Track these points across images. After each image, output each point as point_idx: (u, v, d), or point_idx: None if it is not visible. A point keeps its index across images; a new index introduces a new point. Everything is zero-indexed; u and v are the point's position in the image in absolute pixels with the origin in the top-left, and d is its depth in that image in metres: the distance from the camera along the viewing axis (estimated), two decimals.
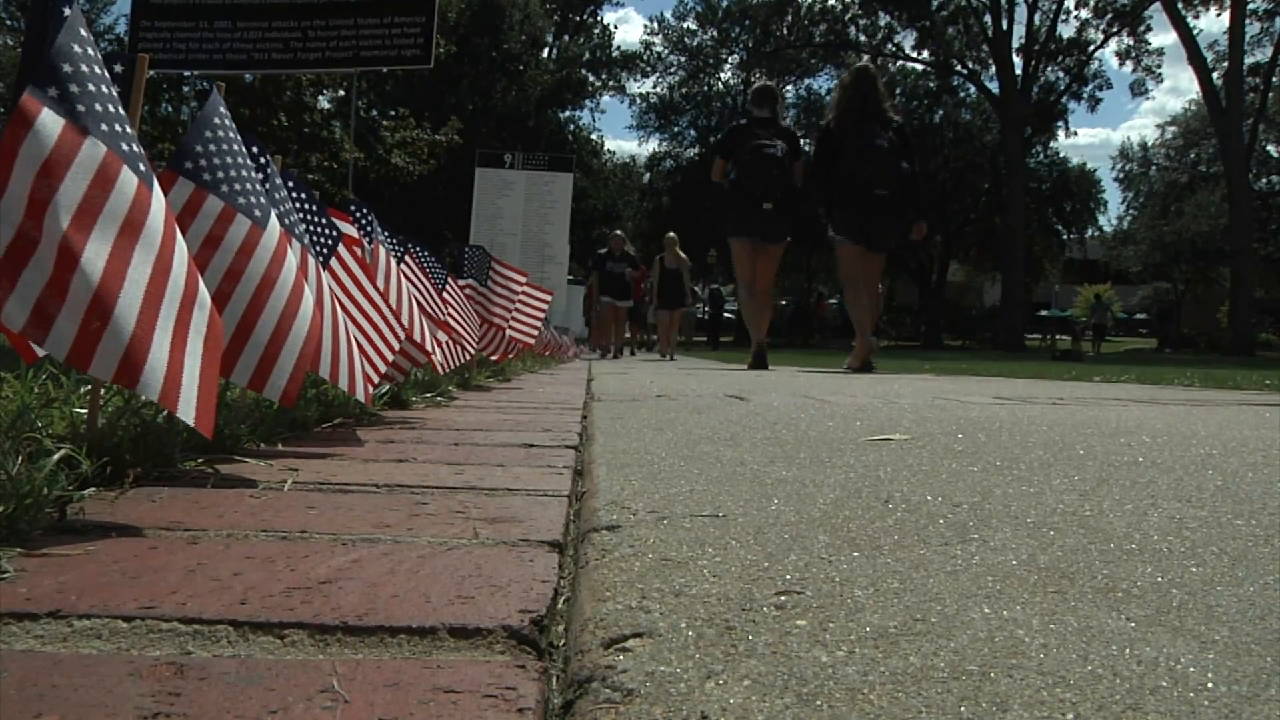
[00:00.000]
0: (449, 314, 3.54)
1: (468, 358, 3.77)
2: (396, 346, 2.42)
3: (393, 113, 16.88)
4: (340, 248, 2.25)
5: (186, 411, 1.19)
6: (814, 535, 1.04)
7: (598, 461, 1.62)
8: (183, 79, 13.28)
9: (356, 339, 2.17)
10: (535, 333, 5.28)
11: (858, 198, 5.83)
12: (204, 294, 1.32)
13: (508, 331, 4.85)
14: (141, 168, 1.23)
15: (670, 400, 3.17)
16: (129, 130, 1.24)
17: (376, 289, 2.36)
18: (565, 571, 0.96)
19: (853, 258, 6.15)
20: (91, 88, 1.17)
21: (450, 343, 3.41)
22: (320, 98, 14.06)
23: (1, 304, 1.06)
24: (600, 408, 2.83)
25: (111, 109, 1.20)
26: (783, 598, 0.79)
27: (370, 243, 2.65)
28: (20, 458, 1.07)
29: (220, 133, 1.64)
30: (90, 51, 1.19)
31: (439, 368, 3.16)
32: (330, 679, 0.62)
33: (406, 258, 3.18)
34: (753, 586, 0.82)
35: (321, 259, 2.10)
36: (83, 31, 1.18)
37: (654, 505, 1.20)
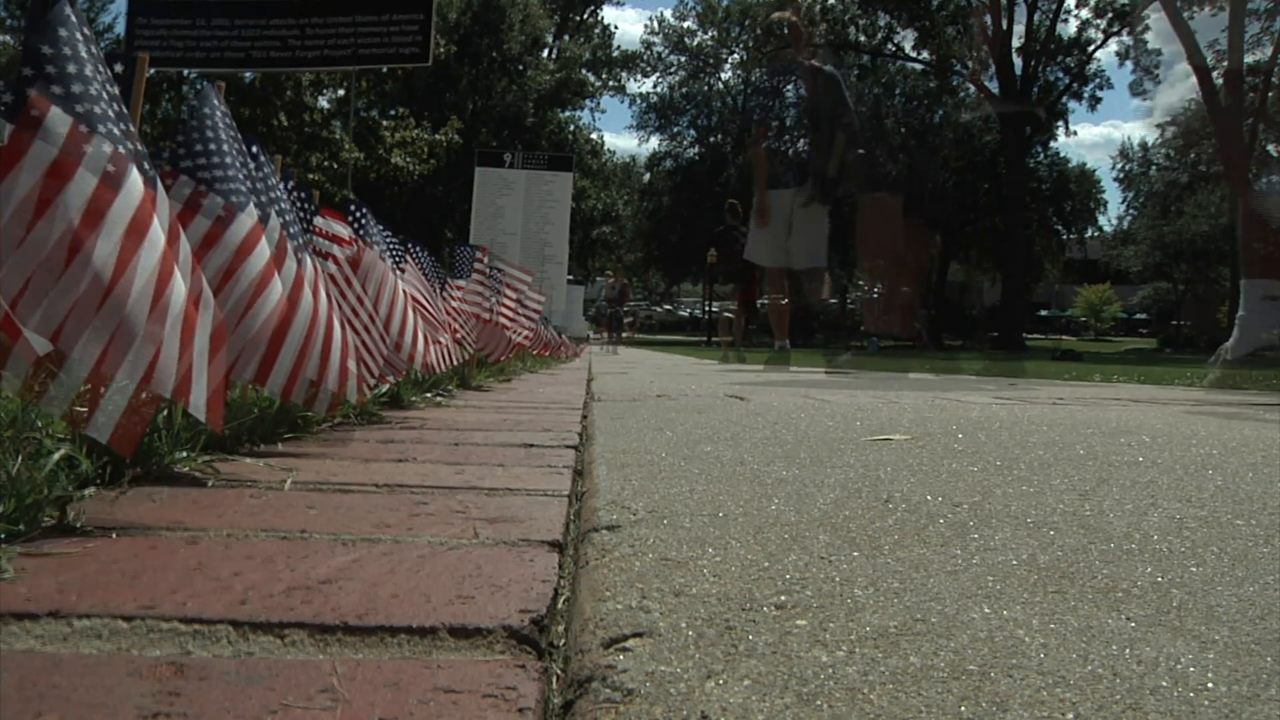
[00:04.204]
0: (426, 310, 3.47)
1: (456, 361, 3.74)
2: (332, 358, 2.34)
3: (393, 112, 16.87)
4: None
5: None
6: (814, 535, 1.04)
7: (598, 461, 1.62)
8: (182, 78, 13.28)
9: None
10: (530, 333, 5.32)
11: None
12: (179, 294, 1.25)
13: (510, 334, 4.84)
14: (86, 149, 1.16)
15: (670, 400, 3.17)
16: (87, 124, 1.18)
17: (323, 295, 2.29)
18: (565, 571, 0.96)
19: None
20: (57, 88, 1.14)
21: (452, 344, 3.40)
22: (320, 98, 14.06)
23: None
24: (600, 408, 2.83)
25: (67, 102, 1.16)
26: (783, 597, 0.79)
27: (358, 245, 2.61)
28: (20, 457, 1.07)
29: (196, 134, 1.62)
30: (67, 51, 1.16)
31: (431, 368, 3.13)
32: (330, 679, 0.62)
33: (407, 258, 3.16)
34: (753, 586, 0.82)
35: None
36: (61, 31, 1.16)
37: (654, 505, 1.20)
